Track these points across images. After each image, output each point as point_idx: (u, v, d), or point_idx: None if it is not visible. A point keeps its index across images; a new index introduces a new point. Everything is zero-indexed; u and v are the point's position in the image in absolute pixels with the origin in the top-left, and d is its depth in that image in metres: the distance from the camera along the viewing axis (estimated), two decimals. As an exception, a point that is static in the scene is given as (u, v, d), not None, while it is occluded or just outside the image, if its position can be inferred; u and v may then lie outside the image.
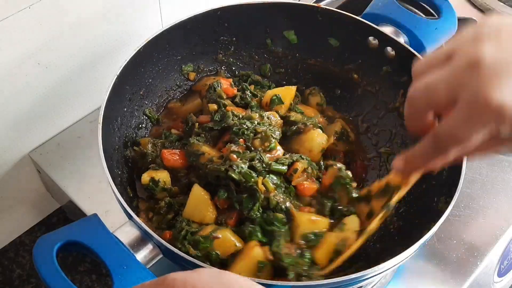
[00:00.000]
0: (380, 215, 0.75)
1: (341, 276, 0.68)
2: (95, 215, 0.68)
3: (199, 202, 0.81)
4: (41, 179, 1.13)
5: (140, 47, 0.89)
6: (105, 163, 0.74)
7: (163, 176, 0.86)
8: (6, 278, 1.09)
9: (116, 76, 0.84)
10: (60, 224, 1.17)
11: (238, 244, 0.77)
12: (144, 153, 0.91)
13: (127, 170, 0.90)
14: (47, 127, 1.08)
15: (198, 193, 0.82)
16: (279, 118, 0.92)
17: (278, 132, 0.88)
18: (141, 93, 0.96)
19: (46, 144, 1.09)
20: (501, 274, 1.05)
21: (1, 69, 0.90)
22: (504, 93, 0.50)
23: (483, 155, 0.63)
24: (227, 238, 0.77)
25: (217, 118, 0.90)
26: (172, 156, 0.89)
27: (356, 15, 0.97)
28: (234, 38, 1.03)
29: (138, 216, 0.75)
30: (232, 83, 0.99)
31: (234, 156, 0.81)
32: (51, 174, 1.04)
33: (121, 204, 0.72)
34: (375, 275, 0.72)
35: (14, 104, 0.97)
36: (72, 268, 1.10)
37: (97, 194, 1.01)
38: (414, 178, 0.69)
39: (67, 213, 1.17)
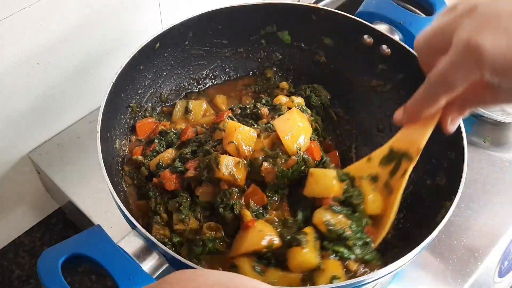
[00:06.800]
0: (408, 171, 0.74)
1: (340, 282, 0.68)
2: (98, 226, 0.68)
3: None
4: (40, 180, 1.13)
5: (134, 52, 0.89)
6: (107, 177, 0.74)
7: None
8: (5, 279, 1.09)
9: (112, 84, 0.84)
10: (59, 225, 1.17)
11: None
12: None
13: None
14: (46, 127, 1.09)
15: None
16: None
17: None
18: (137, 97, 0.97)
19: (45, 144, 1.09)
20: (501, 274, 1.03)
21: (1, 69, 0.91)
22: (486, 38, 0.52)
23: (477, 104, 0.66)
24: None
25: None
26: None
27: (352, 15, 0.98)
28: (226, 41, 1.03)
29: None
30: None
31: None
32: (51, 174, 1.05)
33: (124, 214, 0.71)
34: (375, 280, 0.71)
35: (13, 104, 0.98)
36: (72, 268, 1.10)
37: (97, 195, 1.02)
38: (422, 137, 0.70)
39: (67, 213, 1.17)
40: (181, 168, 0.84)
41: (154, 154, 0.90)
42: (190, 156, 0.86)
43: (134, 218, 0.70)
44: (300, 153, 0.83)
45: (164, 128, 0.94)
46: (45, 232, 1.16)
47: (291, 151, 0.82)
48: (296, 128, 0.83)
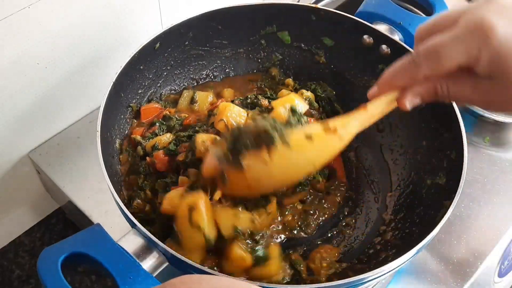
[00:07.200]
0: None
1: (340, 280, 0.67)
2: (98, 224, 0.68)
3: None
4: (40, 180, 1.13)
5: (134, 52, 0.89)
6: (108, 176, 0.74)
7: None
8: (5, 279, 1.09)
9: (112, 84, 0.84)
10: (59, 225, 1.17)
11: None
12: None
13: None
14: (46, 127, 1.09)
15: None
16: None
17: None
18: (137, 97, 0.97)
19: (45, 144, 1.09)
20: (501, 274, 1.03)
21: (1, 69, 0.92)
22: (501, 22, 0.52)
23: (448, 95, 0.62)
24: None
25: None
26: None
27: (352, 15, 0.98)
28: (226, 42, 1.03)
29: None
30: None
31: None
32: (51, 174, 1.05)
33: (125, 213, 0.71)
34: (375, 278, 0.71)
35: (13, 104, 0.98)
36: (71, 268, 1.10)
37: (97, 194, 1.02)
38: (378, 107, 0.68)
39: (67, 213, 1.17)
40: (173, 151, 0.86)
41: (152, 136, 0.91)
42: (185, 140, 0.87)
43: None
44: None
45: (168, 113, 0.95)
46: (45, 232, 1.16)
47: (279, 112, 0.84)
48: (289, 99, 0.87)
